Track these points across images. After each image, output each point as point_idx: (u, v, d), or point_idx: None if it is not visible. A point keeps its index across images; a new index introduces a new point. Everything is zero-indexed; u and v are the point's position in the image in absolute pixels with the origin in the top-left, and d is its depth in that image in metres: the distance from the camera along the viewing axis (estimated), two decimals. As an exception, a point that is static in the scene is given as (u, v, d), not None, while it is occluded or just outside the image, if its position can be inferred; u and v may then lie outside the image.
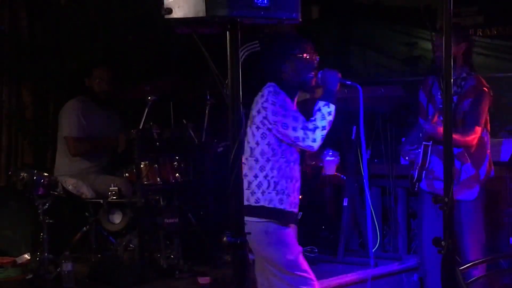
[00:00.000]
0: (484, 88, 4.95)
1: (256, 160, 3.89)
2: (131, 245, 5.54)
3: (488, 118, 5.04)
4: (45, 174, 5.41)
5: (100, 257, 5.54)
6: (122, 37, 6.79)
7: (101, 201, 5.60)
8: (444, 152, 3.04)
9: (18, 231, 5.83)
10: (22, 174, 5.33)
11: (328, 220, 6.53)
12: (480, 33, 7.09)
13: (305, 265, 3.96)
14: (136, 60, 6.81)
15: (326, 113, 3.85)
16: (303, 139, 3.82)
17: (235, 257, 2.67)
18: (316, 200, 6.32)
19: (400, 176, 6.19)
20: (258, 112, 3.87)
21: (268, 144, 3.87)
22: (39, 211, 5.28)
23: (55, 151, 6.06)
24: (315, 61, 3.98)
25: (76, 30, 6.64)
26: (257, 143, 3.89)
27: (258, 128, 3.88)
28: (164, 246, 5.58)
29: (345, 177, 6.20)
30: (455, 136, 4.78)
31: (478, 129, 4.90)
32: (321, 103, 3.88)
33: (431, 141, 4.92)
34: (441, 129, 4.76)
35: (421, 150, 4.93)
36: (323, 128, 3.83)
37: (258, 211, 3.87)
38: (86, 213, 5.66)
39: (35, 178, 5.30)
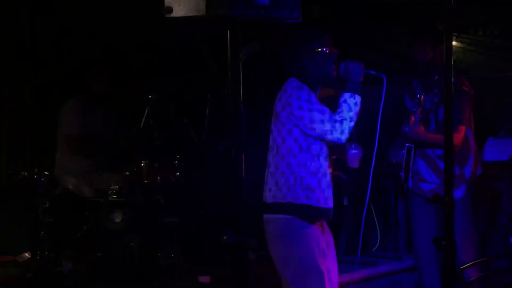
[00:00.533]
0: (464, 88, 4.95)
1: (282, 157, 3.84)
2: (131, 244, 5.53)
3: (472, 117, 5.05)
4: (46, 173, 5.41)
5: (100, 256, 5.53)
6: (122, 36, 6.78)
7: (101, 200, 5.60)
8: (444, 151, 3.03)
9: (18, 230, 5.82)
10: (22, 173, 5.33)
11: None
12: (481, 33, 7.08)
13: (321, 277, 3.88)
14: (137, 59, 6.81)
15: (352, 104, 3.81)
16: (331, 132, 3.76)
17: (236, 256, 2.68)
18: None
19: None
20: (283, 108, 3.82)
21: (295, 140, 3.82)
22: (39, 210, 5.28)
23: (55, 150, 6.06)
24: (336, 53, 3.95)
25: (76, 29, 6.64)
26: (283, 140, 3.84)
27: (283, 124, 3.83)
28: (164, 245, 5.58)
29: (345, 176, 6.19)
30: (440, 137, 4.80)
31: (462, 128, 4.90)
32: (346, 95, 3.83)
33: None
34: (419, 130, 4.79)
35: (404, 152, 4.95)
36: (351, 119, 3.79)
37: (285, 208, 3.83)
38: (86, 212, 5.66)
39: (35, 177, 5.30)
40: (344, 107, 3.81)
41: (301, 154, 3.83)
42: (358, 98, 3.84)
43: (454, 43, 7.09)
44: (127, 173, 5.79)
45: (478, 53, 7.02)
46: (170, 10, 2.65)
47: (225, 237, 2.68)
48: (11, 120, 6.31)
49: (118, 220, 5.57)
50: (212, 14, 2.59)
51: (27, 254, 5.56)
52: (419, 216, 5.16)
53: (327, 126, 3.77)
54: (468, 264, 3.57)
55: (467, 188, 5.02)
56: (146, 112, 5.67)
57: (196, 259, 5.72)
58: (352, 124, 3.80)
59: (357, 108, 3.82)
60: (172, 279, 5.35)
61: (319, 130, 3.78)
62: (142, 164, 5.60)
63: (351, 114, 3.80)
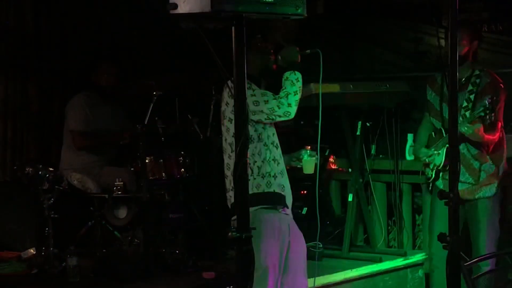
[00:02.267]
0: (501, 84, 4.99)
1: None
2: (136, 240, 5.54)
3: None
4: (50, 168, 5.42)
5: (105, 252, 5.54)
6: (127, 32, 6.78)
7: (106, 195, 5.60)
8: (450, 148, 3.03)
9: (23, 226, 5.83)
10: (27, 168, 5.34)
11: (333, 215, 6.53)
12: (486, 29, 7.06)
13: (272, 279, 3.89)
14: (142, 55, 6.81)
15: (294, 79, 3.95)
16: (279, 107, 3.89)
17: (240, 252, 2.67)
18: (321, 195, 6.31)
19: (405, 172, 6.19)
20: (227, 104, 3.93)
21: None
22: (44, 206, 5.29)
23: (60, 145, 6.07)
24: (269, 48, 4.07)
25: (82, 24, 6.64)
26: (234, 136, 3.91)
27: (230, 120, 3.91)
28: (169, 241, 5.58)
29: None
30: (487, 136, 4.81)
31: (499, 125, 4.93)
32: (287, 73, 3.98)
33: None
34: (480, 131, 4.77)
35: (442, 153, 4.95)
36: (295, 93, 3.92)
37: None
38: (91, 208, 5.66)
39: (40, 172, 5.30)
40: (287, 83, 3.95)
41: (253, 145, 3.92)
42: (298, 74, 3.97)
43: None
44: (132, 169, 5.80)
45: (484, 49, 7.00)
46: (175, 6, 2.65)
47: (229, 233, 2.68)
48: (16, 116, 6.32)
49: (122, 216, 5.58)
50: (217, 10, 2.58)
51: (32, 250, 5.57)
52: (441, 216, 5.11)
53: (273, 103, 3.90)
54: (472, 261, 3.56)
55: (498, 185, 5.04)
56: (151, 108, 5.67)
57: (201, 254, 5.72)
58: (298, 97, 3.94)
59: (300, 84, 3.96)
60: (176, 275, 5.35)
61: (267, 110, 3.89)
62: (147, 160, 5.60)
63: (295, 88, 3.93)
